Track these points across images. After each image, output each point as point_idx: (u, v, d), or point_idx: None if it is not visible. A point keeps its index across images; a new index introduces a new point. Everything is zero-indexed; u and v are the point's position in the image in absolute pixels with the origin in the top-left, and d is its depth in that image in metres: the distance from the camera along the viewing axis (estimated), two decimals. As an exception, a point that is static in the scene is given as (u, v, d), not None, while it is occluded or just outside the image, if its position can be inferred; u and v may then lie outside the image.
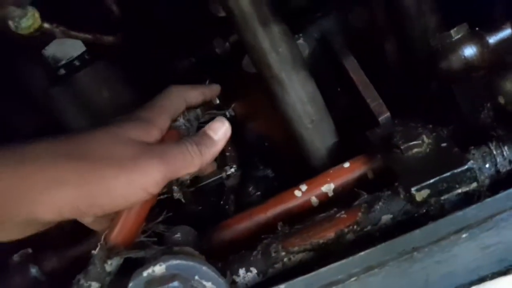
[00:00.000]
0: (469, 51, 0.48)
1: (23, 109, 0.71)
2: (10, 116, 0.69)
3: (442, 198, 0.44)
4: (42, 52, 0.53)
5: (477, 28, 0.48)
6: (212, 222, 0.56)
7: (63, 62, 0.54)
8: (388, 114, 0.53)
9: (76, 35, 0.47)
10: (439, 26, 0.53)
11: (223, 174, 0.59)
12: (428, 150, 0.46)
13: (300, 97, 0.56)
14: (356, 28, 0.60)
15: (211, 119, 0.61)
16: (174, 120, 0.49)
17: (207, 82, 0.58)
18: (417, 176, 0.44)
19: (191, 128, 0.50)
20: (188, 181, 0.51)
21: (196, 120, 0.52)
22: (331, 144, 0.58)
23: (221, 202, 0.66)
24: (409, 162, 0.46)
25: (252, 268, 0.48)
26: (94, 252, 0.46)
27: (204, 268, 0.43)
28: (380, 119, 0.53)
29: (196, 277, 0.43)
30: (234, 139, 0.79)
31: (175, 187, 0.49)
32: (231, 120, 0.66)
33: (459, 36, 0.48)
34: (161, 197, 0.48)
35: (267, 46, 0.52)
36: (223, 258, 0.50)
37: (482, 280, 0.46)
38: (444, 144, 0.46)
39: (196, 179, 0.56)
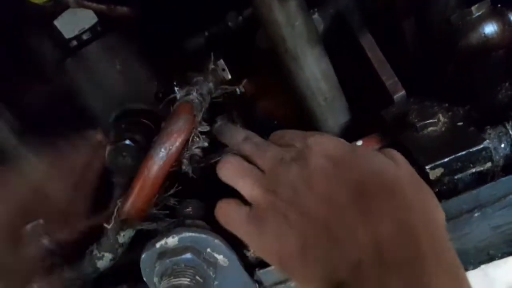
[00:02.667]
0: (490, 28, 0.46)
1: (34, 82, 0.71)
2: (21, 89, 0.69)
3: (456, 177, 0.44)
4: (54, 23, 0.53)
5: (499, 5, 0.47)
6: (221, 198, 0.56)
7: (75, 33, 0.53)
8: (403, 92, 0.52)
9: (89, 5, 0.46)
10: (460, 3, 0.51)
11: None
12: (443, 129, 0.46)
13: (314, 74, 0.55)
14: (373, 5, 0.59)
15: (223, 93, 0.61)
16: (188, 93, 0.48)
17: (212, 55, 0.56)
18: (431, 155, 0.44)
19: (204, 102, 0.50)
20: (198, 157, 0.51)
21: (209, 94, 0.52)
22: (344, 122, 0.57)
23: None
24: (424, 140, 0.46)
25: (262, 243, 0.48)
26: (106, 225, 0.47)
27: (217, 241, 0.44)
28: (395, 97, 0.52)
29: (208, 250, 0.44)
30: (243, 117, 0.79)
31: (184, 160, 0.49)
32: (241, 97, 0.66)
33: (480, 13, 0.47)
34: (172, 169, 0.48)
35: (283, 20, 0.51)
36: (232, 234, 0.50)
37: (491, 259, 0.47)
38: (460, 123, 0.45)
39: (207, 155, 0.55)
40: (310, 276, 0.32)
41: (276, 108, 0.80)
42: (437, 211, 0.35)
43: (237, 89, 0.65)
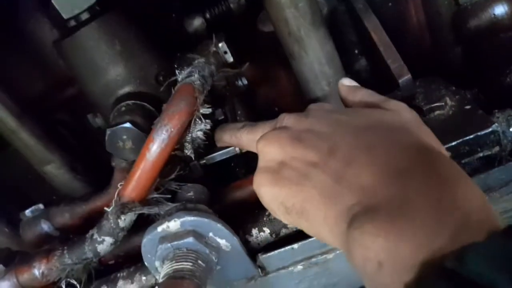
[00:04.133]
0: (500, 9, 0.45)
1: (32, 64, 0.69)
2: (17, 71, 0.68)
3: (463, 161, 0.43)
4: (52, 1, 0.51)
5: (510, -15, 0.46)
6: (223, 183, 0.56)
7: (73, 13, 0.52)
8: (409, 76, 0.51)
9: (87, -17, 0.45)
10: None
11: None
12: (451, 112, 0.45)
13: (318, 57, 0.54)
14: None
15: (224, 78, 0.59)
16: (189, 75, 0.47)
17: (214, 37, 0.55)
18: (438, 139, 0.43)
19: (206, 84, 0.49)
20: (200, 140, 0.50)
21: (211, 77, 0.51)
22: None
23: (232, 164, 0.65)
24: (431, 124, 0.44)
25: (265, 228, 0.48)
26: (107, 208, 0.46)
27: (219, 225, 0.43)
28: (400, 81, 0.51)
29: (211, 234, 0.43)
30: (245, 104, 0.78)
31: (187, 144, 0.49)
32: (245, 87, 0.64)
33: (490, -7, 0.46)
34: (174, 153, 0.47)
35: (286, 1, 0.50)
36: (234, 218, 0.49)
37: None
38: (467, 107, 0.45)
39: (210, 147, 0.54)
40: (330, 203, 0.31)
41: (277, 95, 0.79)
42: (443, 148, 0.35)
43: (240, 82, 0.64)
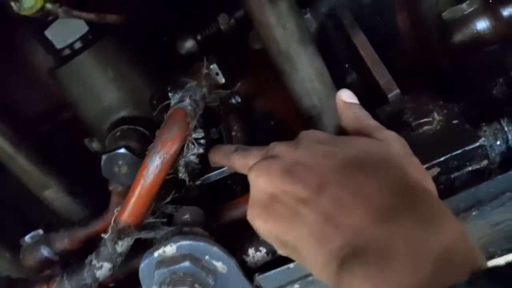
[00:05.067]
0: (482, 24, 0.46)
1: (28, 88, 0.71)
2: (14, 96, 0.69)
3: (453, 176, 0.44)
4: (45, 33, 0.52)
5: (490, 0, 0.47)
6: (218, 202, 0.56)
7: (67, 43, 0.53)
8: (397, 91, 0.52)
9: (79, 14, 0.46)
10: (451, -2, 0.51)
11: None
12: (438, 127, 0.46)
13: (308, 74, 0.55)
14: (365, 3, 0.58)
15: (217, 98, 0.60)
16: (181, 100, 0.48)
17: (205, 60, 0.56)
18: (427, 154, 0.43)
19: (198, 108, 0.50)
20: (194, 163, 0.50)
21: (202, 100, 0.52)
22: (339, 122, 0.57)
23: (229, 182, 0.66)
24: (419, 139, 0.46)
25: (261, 248, 0.48)
26: (104, 234, 0.47)
27: (215, 248, 0.43)
28: (389, 96, 0.52)
29: (207, 257, 0.44)
30: (240, 119, 0.79)
31: (180, 168, 0.49)
32: (238, 105, 0.65)
33: (472, 9, 0.47)
34: (168, 177, 0.48)
35: (274, 21, 0.51)
36: (231, 236, 0.50)
37: (491, 257, 0.47)
38: (455, 121, 0.45)
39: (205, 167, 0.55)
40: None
41: (273, 108, 0.80)
42: (429, 181, 0.35)
43: (233, 100, 0.65)
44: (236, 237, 0.51)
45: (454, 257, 0.26)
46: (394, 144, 0.37)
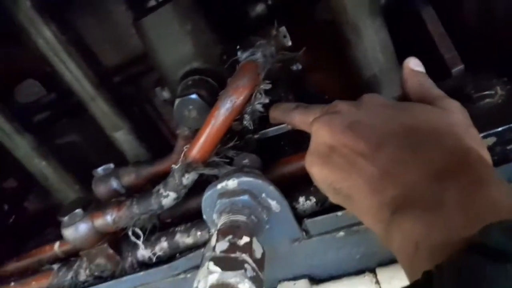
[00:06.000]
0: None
1: (107, 41, 0.78)
2: (96, 47, 0.76)
3: (508, 147, 0.45)
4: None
5: None
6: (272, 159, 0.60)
7: (153, -6, 0.58)
8: (462, 66, 0.53)
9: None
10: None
11: None
12: (500, 101, 0.47)
13: (373, 44, 0.57)
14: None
15: (281, 60, 0.64)
16: (252, 54, 0.52)
17: (276, 25, 0.59)
18: (485, 124, 0.45)
19: (266, 64, 0.54)
20: (259, 112, 0.54)
21: (271, 57, 0.55)
22: (398, 95, 0.59)
23: (282, 143, 0.70)
24: (479, 111, 0.47)
25: (311, 197, 0.52)
26: (174, 166, 0.52)
27: (271, 187, 0.48)
28: (453, 70, 0.53)
29: (263, 195, 0.48)
30: (296, 89, 0.82)
31: (246, 115, 0.54)
32: (298, 72, 0.68)
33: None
34: (234, 122, 0.52)
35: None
36: (283, 190, 0.54)
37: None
38: (517, 97, 0.46)
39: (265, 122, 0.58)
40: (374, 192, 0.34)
41: (328, 83, 0.82)
42: (485, 151, 0.36)
43: (294, 66, 0.68)
44: (287, 190, 0.55)
45: (502, 215, 0.27)
46: (455, 113, 0.38)
